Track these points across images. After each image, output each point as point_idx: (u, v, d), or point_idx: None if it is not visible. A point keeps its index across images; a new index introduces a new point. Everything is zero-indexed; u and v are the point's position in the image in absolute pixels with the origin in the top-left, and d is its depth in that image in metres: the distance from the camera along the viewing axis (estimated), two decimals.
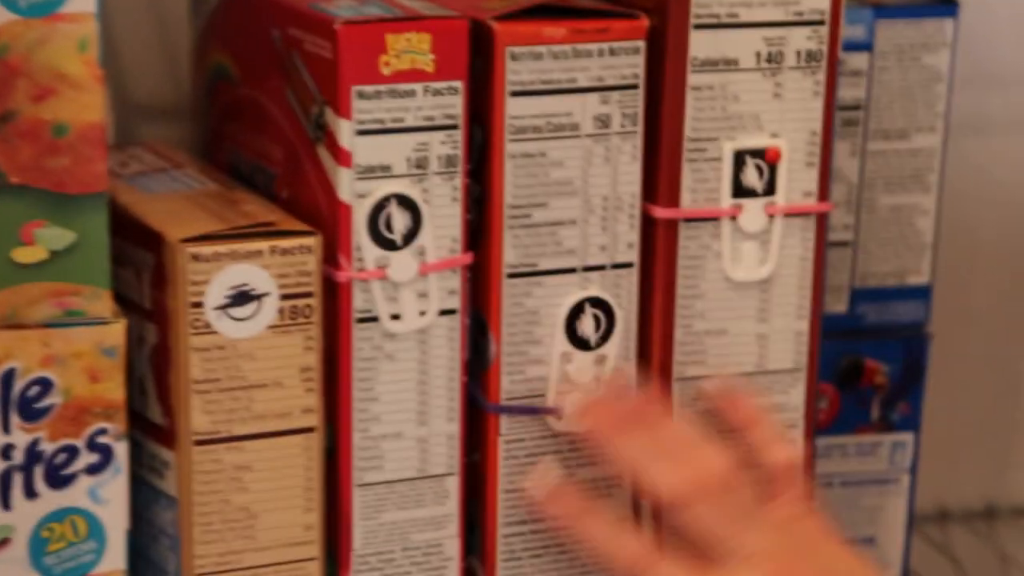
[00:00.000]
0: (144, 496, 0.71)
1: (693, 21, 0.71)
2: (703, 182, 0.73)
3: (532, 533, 0.74)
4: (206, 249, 0.67)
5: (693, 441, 0.71)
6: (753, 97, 0.73)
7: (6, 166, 0.65)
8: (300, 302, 0.69)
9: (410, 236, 0.70)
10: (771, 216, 0.74)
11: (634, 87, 0.72)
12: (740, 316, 0.75)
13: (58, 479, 0.67)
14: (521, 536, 0.74)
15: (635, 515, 0.75)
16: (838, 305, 0.86)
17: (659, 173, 0.73)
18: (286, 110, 0.72)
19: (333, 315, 0.70)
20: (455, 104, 0.70)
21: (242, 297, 0.68)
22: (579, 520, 0.71)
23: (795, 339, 0.76)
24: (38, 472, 0.67)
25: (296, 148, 0.72)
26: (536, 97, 0.70)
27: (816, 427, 0.77)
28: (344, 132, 0.68)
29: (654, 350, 0.74)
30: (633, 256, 0.73)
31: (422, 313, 0.71)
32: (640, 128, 0.72)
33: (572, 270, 0.73)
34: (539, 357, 0.73)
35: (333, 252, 0.69)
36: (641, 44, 0.71)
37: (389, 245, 0.70)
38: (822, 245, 0.75)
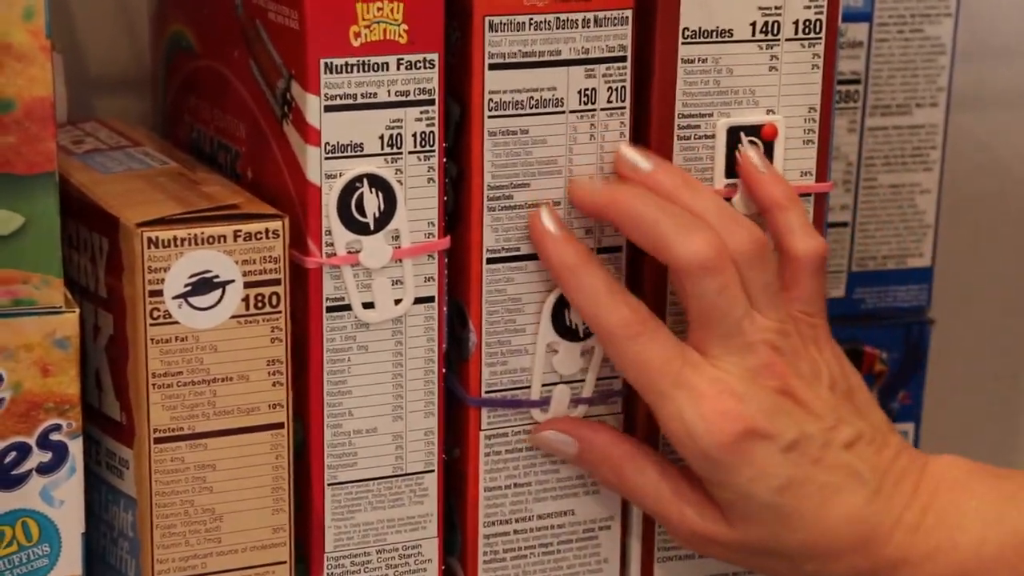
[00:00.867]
0: (101, 496, 0.70)
1: None
2: (695, 161, 0.72)
3: (515, 533, 0.73)
4: (165, 233, 0.65)
5: (724, 210, 0.69)
6: (748, 71, 0.71)
7: None
8: (266, 290, 0.67)
9: (383, 219, 0.68)
10: None
11: (621, 59, 0.70)
12: None
13: (8, 479, 0.66)
14: (503, 536, 0.73)
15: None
16: (835, 289, 0.85)
17: (648, 151, 0.71)
18: (250, 84, 0.70)
19: (302, 304, 0.68)
20: (431, 78, 0.68)
21: (204, 285, 0.66)
22: (574, 272, 0.68)
23: None
24: None
25: (261, 125, 0.70)
26: (517, 70, 0.69)
27: None
28: (312, 108, 0.67)
29: None
30: (621, 240, 0.72)
31: (397, 301, 0.69)
32: (628, 103, 0.70)
33: None
34: (522, 347, 0.71)
35: (301, 236, 0.68)
36: (629, 13, 0.70)
37: (361, 229, 0.68)
38: (821, 227, 0.74)
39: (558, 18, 0.68)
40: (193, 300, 0.66)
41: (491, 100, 0.68)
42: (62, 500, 0.66)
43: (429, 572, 0.71)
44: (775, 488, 0.68)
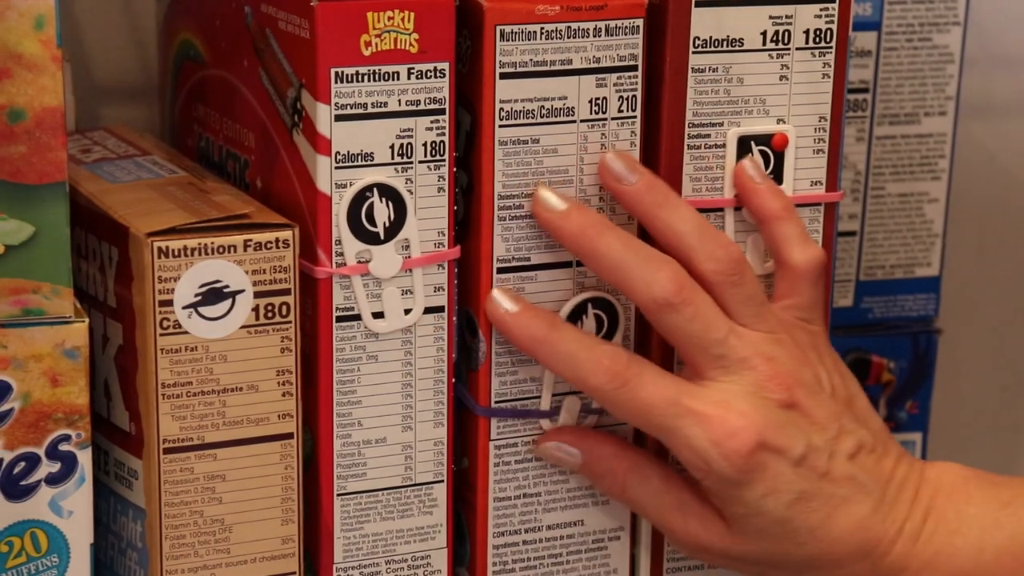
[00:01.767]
0: (110, 507, 0.70)
1: None
2: (705, 170, 0.71)
3: (525, 544, 0.72)
4: (175, 243, 0.65)
5: (702, 229, 0.69)
6: (758, 80, 0.71)
7: None
8: (276, 300, 0.66)
9: (393, 229, 0.68)
10: None
11: (632, 69, 0.70)
12: None
13: (17, 490, 0.66)
14: (513, 547, 0.72)
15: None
16: (843, 298, 0.85)
17: (659, 161, 0.71)
18: (260, 93, 0.70)
19: (311, 313, 0.68)
20: (441, 87, 0.67)
21: (214, 295, 0.66)
22: (544, 342, 0.68)
23: None
24: None
25: (271, 134, 0.70)
26: (528, 79, 0.68)
27: None
28: (322, 117, 0.66)
29: (654, 348, 0.72)
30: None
31: (407, 311, 0.69)
32: (639, 113, 0.70)
33: (567, 264, 0.71)
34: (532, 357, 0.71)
35: (311, 246, 0.68)
36: (640, 22, 0.69)
37: (371, 238, 0.68)
38: (831, 237, 0.74)
39: (569, 27, 0.68)
40: (203, 310, 0.66)
41: (502, 109, 0.68)
42: (71, 510, 0.66)
43: None
44: (786, 503, 0.68)
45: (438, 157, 0.68)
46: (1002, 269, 0.99)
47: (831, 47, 0.71)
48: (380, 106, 0.67)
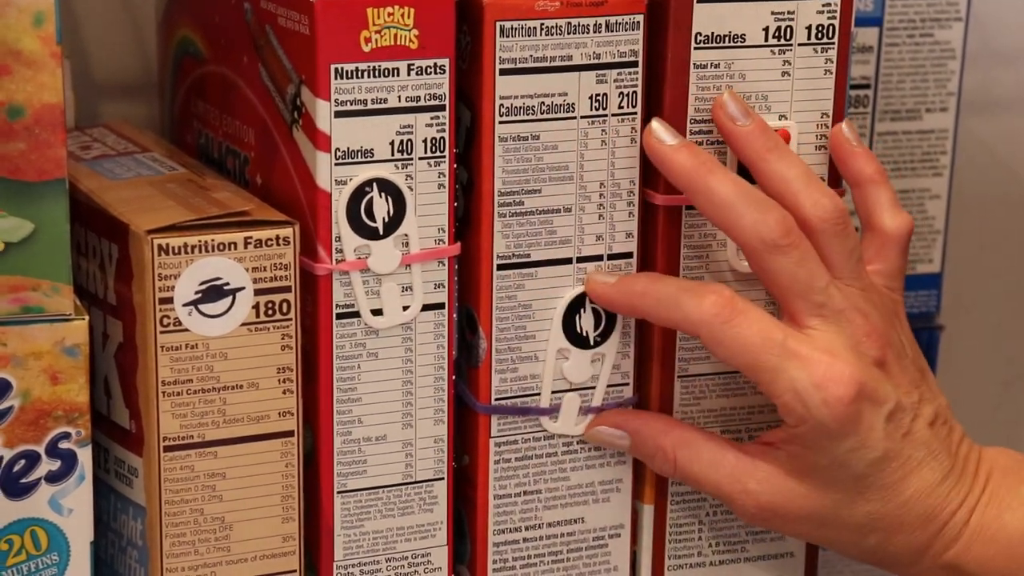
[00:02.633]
0: (110, 505, 0.70)
1: None
2: None
3: (525, 541, 0.72)
4: (175, 240, 0.65)
5: (809, 177, 0.69)
6: (761, 76, 0.71)
7: None
8: (276, 297, 0.66)
9: (392, 224, 0.68)
10: None
11: (633, 65, 0.69)
12: None
13: (17, 488, 0.65)
14: (513, 544, 0.72)
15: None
16: None
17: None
18: (259, 89, 0.70)
19: (311, 311, 0.68)
20: (441, 83, 0.67)
21: (214, 292, 0.65)
22: (646, 290, 0.68)
23: None
24: None
25: (270, 130, 0.70)
26: (528, 75, 0.68)
27: None
28: (322, 113, 0.66)
29: (655, 346, 0.72)
30: (632, 246, 0.71)
31: (405, 308, 0.69)
32: (640, 109, 0.70)
33: (567, 261, 0.70)
34: (532, 354, 0.71)
35: (311, 243, 0.67)
36: (641, 18, 0.69)
37: (370, 233, 0.68)
38: None
39: (569, 23, 0.68)
40: (203, 307, 0.65)
41: (502, 105, 0.68)
42: (71, 509, 0.66)
43: None
44: (870, 460, 0.68)
45: (438, 153, 0.68)
46: (1004, 265, 0.99)
47: (833, 43, 0.71)
48: (380, 102, 0.66)
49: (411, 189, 0.68)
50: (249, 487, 0.67)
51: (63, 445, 0.65)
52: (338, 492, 0.69)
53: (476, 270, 0.70)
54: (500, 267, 0.69)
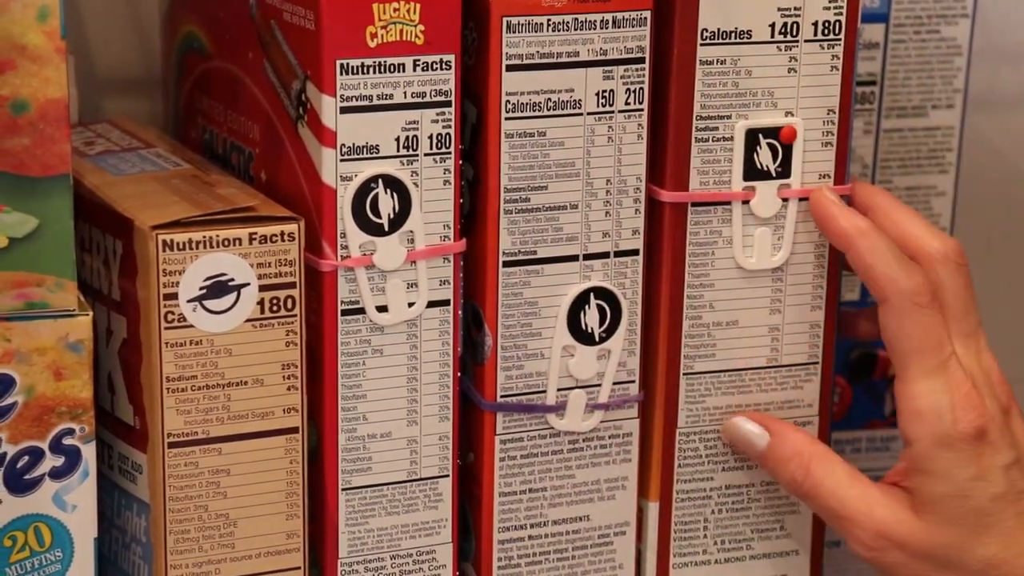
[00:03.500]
0: (114, 501, 0.70)
1: None
2: (713, 163, 0.71)
3: (530, 539, 0.72)
4: (179, 236, 0.65)
5: (926, 231, 0.71)
6: (767, 72, 0.71)
7: None
8: (281, 293, 0.66)
9: (398, 220, 0.68)
10: (785, 200, 0.72)
11: (640, 61, 0.69)
12: (752, 307, 0.73)
13: (21, 484, 0.65)
14: (518, 542, 0.72)
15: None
16: (850, 292, 0.84)
17: (666, 154, 0.71)
18: (264, 85, 0.70)
19: (316, 307, 0.68)
20: (447, 79, 0.67)
21: (219, 288, 0.65)
22: (866, 234, 0.70)
23: (810, 331, 0.74)
24: None
25: (275, 126, 0.70)
26: (534, 71, 0.68)
27: None
28: (327, 109, 0.66)
29: (660, 343, 0.72)
30: (638, 243, 0.71)
31: (411, 304, 0.69)
32: (646, 105, 0.70)
33: (573, 258, 0.70)
34: (538, 351, 0.71)
35: (316, 239, 0.67)
36: (647, 14, 0.69)
37: (375, 230, 0.67)
38: None
39: (576, 19, 0.68)
40: (208, 303, 0.65)
41: (508, 102, 0.68)
42: (75, 505, 0.66)
43: None
44: (992, 495, 0.68)
45: (444, 150, 0.68)
46: (1010, 263, 0.98)
47: (840, 39, 0.71)
48: (385, 98, 0.66)
49: (417, 185, 0.67)
50: (253, 484, 0.67)
51: (67, 441, 0.65)
52: (343, 489, 0.69)
53: (482, 267, 0.69)
54: (506, 264, 0.69)
